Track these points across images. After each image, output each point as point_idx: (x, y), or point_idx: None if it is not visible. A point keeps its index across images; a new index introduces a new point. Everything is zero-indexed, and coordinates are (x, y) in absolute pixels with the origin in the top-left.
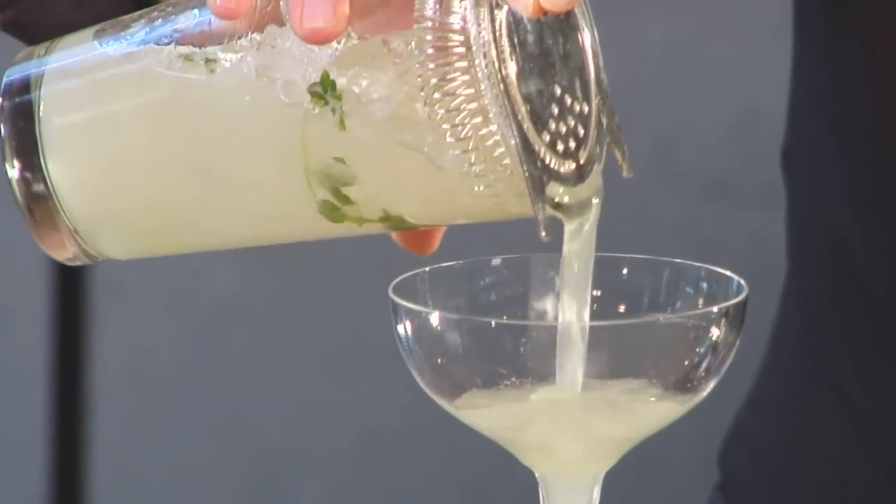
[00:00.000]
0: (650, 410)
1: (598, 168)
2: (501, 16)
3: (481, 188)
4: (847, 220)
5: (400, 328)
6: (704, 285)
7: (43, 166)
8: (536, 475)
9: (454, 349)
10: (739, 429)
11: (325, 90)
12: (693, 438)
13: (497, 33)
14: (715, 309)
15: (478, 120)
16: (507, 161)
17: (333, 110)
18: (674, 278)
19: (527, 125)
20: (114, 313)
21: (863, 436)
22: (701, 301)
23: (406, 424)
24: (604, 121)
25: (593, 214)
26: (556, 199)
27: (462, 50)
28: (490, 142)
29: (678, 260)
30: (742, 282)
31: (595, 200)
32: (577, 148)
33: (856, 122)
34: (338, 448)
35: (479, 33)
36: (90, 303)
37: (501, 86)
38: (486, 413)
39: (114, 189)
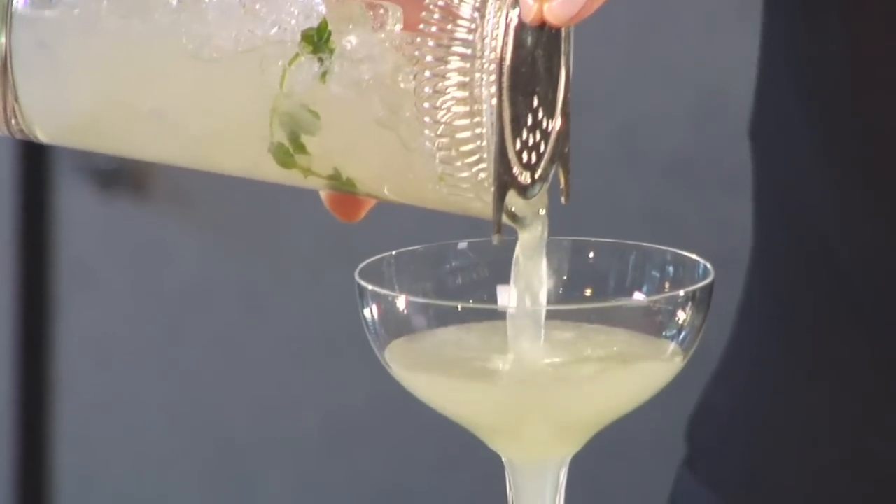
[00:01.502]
0: (617, 393)
1: (545, 187)
2: (513, 14)
3: (444, 177)
4: (814, 192)
5: (366, 312)
6: (671, 269)
7: (7, 22)
8: (503, 459)
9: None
10: (707, 402)
11: (319, 38)
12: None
13: (506, 29)
14: (681, 293)
15: (461, 109)
16: (477, 157)
17: (321, 60)
18: (640, 262)
19: (507, 128)
20: (79, 300)
21: (828, 408)
22: (667, 285)
23: (372, 410)
24: (559, 144)
25: (543, 228)
26: (512, 208)
27: (468, 37)
28: (467, 133)
29: (644, 243)
30: (708, 265)
31: (542, 212)
32: (536, 162)
33: (830, 92)
34: (303, 434)
35: (489, 24)
36: (55, 289)
37: (498, 83)
38: (452, 397)
39: (72, 76)
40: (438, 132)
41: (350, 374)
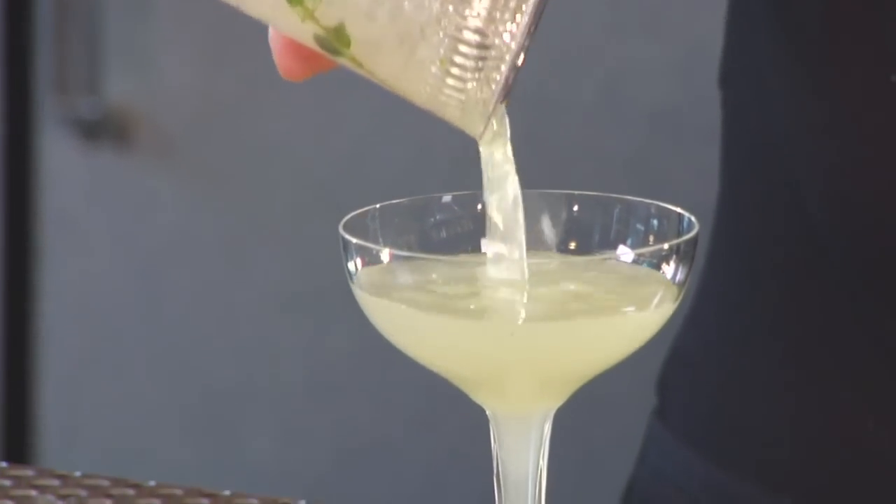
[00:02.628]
0: (602, 347)
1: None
2: None
3: (447, 63)
4: (784, 139)
5: (350, 265)
6: (655, 222)
7: None
8: (487, 412)
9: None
10: (677, 350)
11: None
12: (632, 367)
13: None
14: (665, 246)
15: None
16: (494, 54)
17: None
18: (624, 215)
19: (528, 31)
20: (62, 250)
21: (796, 355)
22: (652, 238)
23: (356, 360)
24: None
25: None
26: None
27: None
28: (496, 40)
29: (628, 197)
30: (692, 218)
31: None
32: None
33: (802, 38)
34: (286, 383)
35: None
36: (39, 240)
37: None
38: (434, 347)
39: None
40: (465, 16)
41: (334, 325)
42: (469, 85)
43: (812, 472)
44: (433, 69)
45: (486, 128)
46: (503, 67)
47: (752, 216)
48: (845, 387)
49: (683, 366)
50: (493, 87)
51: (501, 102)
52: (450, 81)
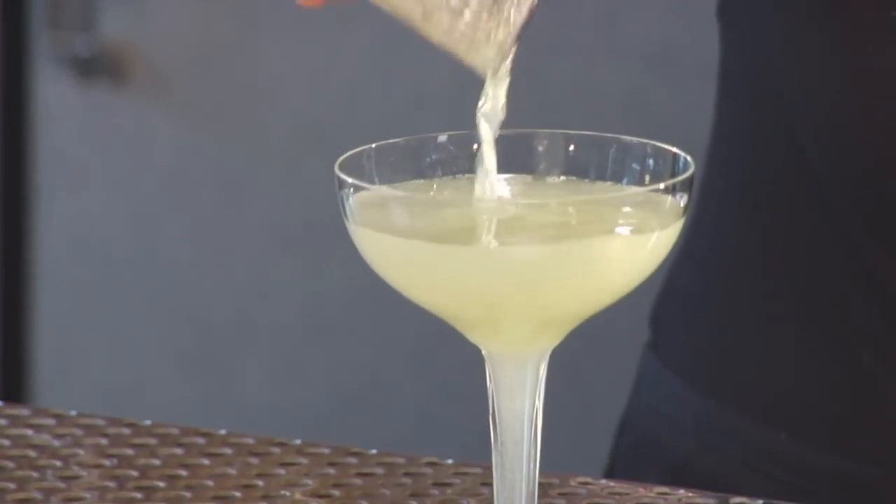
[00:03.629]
0: (598, 288)
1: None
2: None
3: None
4: (782, 72)
5: (345, 204)
6: (651, 162)
7: None
8: (483, 353)
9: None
10: (671, 284)
11: None
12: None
13: None
14: (662, 185)
15: None
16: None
17: None
18: (620, 154)
19: None
20: (58, 188)
21: (789, 289)
22: (647, 177)
23: (351, 297)
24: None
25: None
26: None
27: None
28: None
29: (625, 136)
30: (688, 158)
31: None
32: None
33: None
34: (281, 321)
35: None
36: (34, 178)
37: None
38: (428, 283)
39: None
40: None
41: (330, 263)
42: (488, 24)
43: (805, 405)
44: (453, 3)
45: (500, 66)
46: (524, 9)
47: (746, 151)
48: (839, 321)
49: (677, 299)
50: (511, 28)
51: (516, 43)
52: (467, 18)
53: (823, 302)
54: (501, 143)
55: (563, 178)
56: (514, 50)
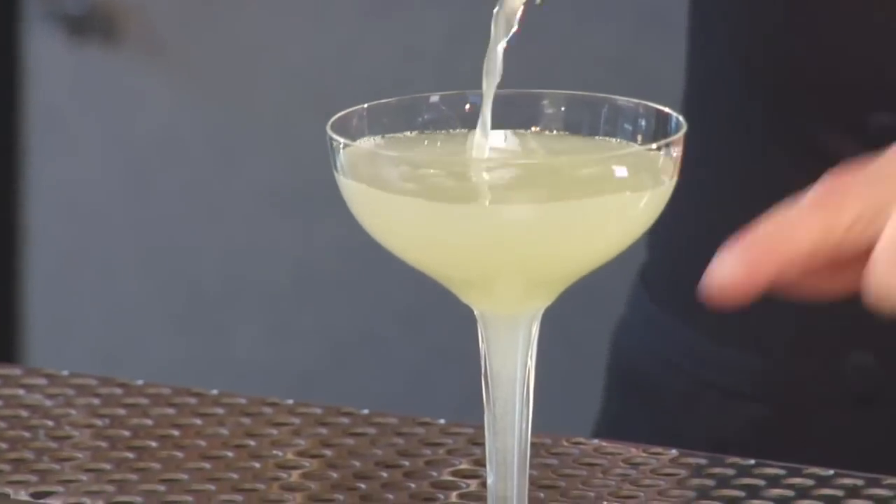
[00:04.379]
0: (591, 247)
1: None
2: None
3: None
4: (748, 19)
5: (337, 164)
6: (643, 122)
7: None
8: (475, 313)
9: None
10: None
11: None
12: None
13: None
14: (654, 146)
15: None
16: None
17: None
18: (612, 115)
19: None
20: (49, 147)
21: (711, 201)
22: (640, 137)
23: (343, 258)
24: None
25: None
26: None
27: None
28: None
29: (617, 97)
30: (680, 118)
31: None
32: None
33: None
34: (274, 282)
35: None
36: (26, 136)
37: None
38: (424, 241)
39: None
40: None
41: (321, 223)
42: None
43: (783, 334)
44: None
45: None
46: None
47: (716, 91)
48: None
49: (663, 231)
50: None
51: None
52: None
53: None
54: (497, 102)
55: (557, 136)
56: None
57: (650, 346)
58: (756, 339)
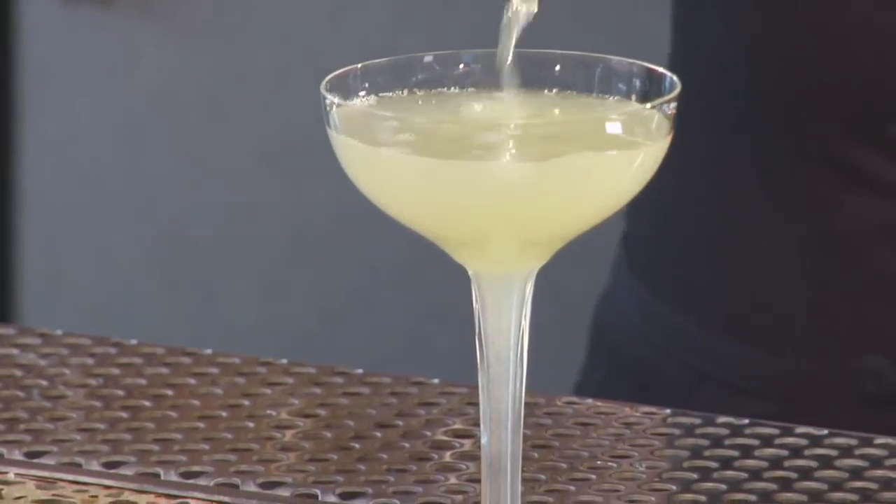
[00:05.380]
0: (586, 206)
1: None
2: None
3: None
4: None
5: (331, 123)
6: (637, 82)
7: None
8: (469, 273)
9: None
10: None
11: None
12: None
13: None
14: (648, 105)
15: None
16: None
17: None
18: (607, 74)
19: None
20: (43, 105)
21: (712, 197)
22: (634, 97)
23: (336, 215)
24: None
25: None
26: None
27: None
28: None
29: (611, 56)
30: (674, 77)
31: None
32: None
33: None
34: (267, 239)
35: None
36: (19, 94)
37: None
38: (418, 198)
39: None
40: None
41: (316, 181)
42: None
43: (718, 299)
44: None
45: None
46: None
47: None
48: (752, 224)
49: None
50: None
51: None
52: None
53: (776, 210)
54: (492, 62)
55: (552, 95)
56: None
57: (638, 327)
58: (761, 333)
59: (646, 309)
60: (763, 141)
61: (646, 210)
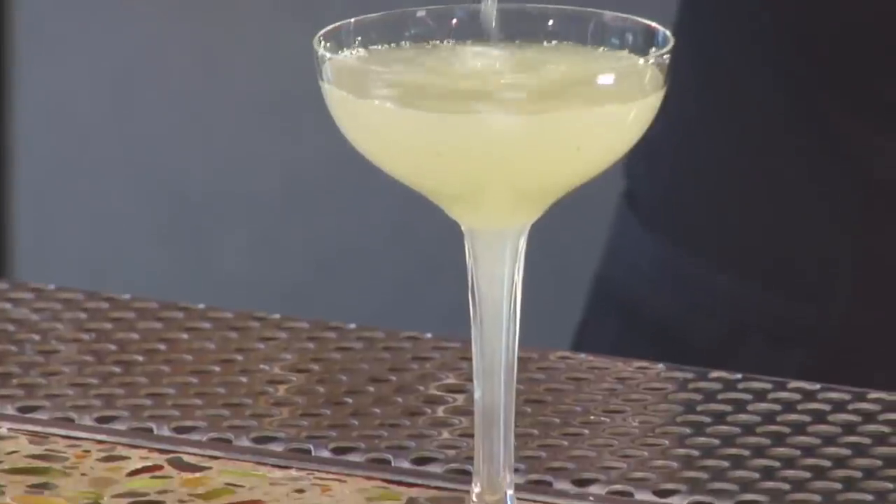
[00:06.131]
0: (579, 160)
1: None
2: None
3: None
4: None
5: (323, 76)
6: (630, 36)
7: None
8: (462, 228)
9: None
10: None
11: None
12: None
13: None
14: (640, 61)
15: None
16: None
17: None
18: (599, 29)
19: None
20: (36, 59)
21: (743, 139)
22: (628, 51)
23: (330, 169)
24: None
25: None
26: None
27: None
28: None
29: (605, 10)
30: (667, 32)
31: None
32: None
33: None
34: (260, 192)
35: None
36: (12, 49)
37: None
38: (411, 159)
39: None
40: None
41: (309, 135)
42: None
43: (750, 248)
44: None
45: None
46: None
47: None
48: (789, 170)
49: (643, 146)
50: None
51: None
52: None
53: (780, 153)
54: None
55: (546, 48)
56: None
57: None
58: (803, 283)
59: (668, 266)
60: (797, 82)
61: (665, 164)
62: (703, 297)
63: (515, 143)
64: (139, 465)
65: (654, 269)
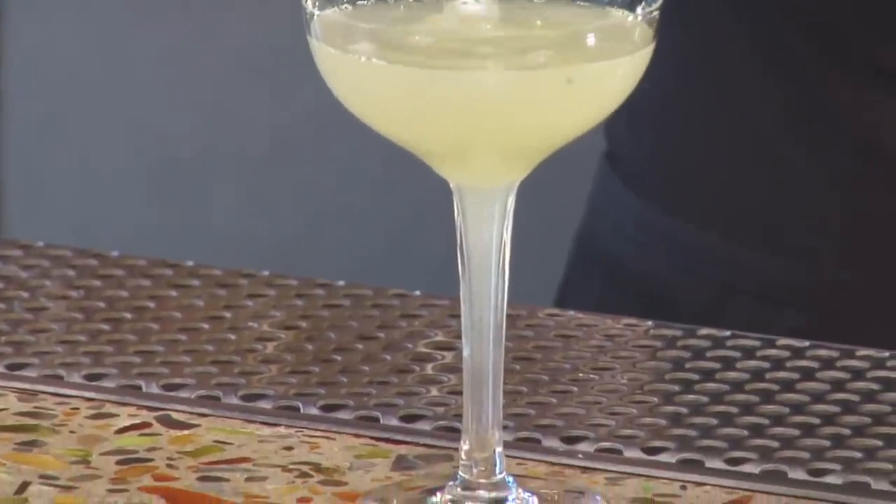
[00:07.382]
0: (568, 117)
1: None
2: None
3: None
4: None
5: (312, 34)
6: None
7: None
8: (451, 185)
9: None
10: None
11: None
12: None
13: None
14: (629, 16)
15: None
16: None
17: None
18: None
19: None
20: (24, 14)
21: (726, 97)
22: (616, 6)
23: (318, 126)
24: None
25: None
26: None
27: None
28: None
29: None
30: None
31: None
32: None
33: None
34: (249, 148)
35: None
36: (0, 3)
37: None
38: (398, 116)
39: None
40: None
41: (298, 92)
42: None
43: (736, 205)
44: None
45: None
46: None
47: None
48: (775, 130)
49: (624, 108)
50: None
51: None
52: None
53: (761, 113)
54: None
55: (534, 4)
56: None
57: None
58: (792, 242)
59: (652, 226)
60: (782, 41)
61: (647, 124)
62: (689, 258)
63: (503, 99)
64: (128, 423)
65: (638, 229)
